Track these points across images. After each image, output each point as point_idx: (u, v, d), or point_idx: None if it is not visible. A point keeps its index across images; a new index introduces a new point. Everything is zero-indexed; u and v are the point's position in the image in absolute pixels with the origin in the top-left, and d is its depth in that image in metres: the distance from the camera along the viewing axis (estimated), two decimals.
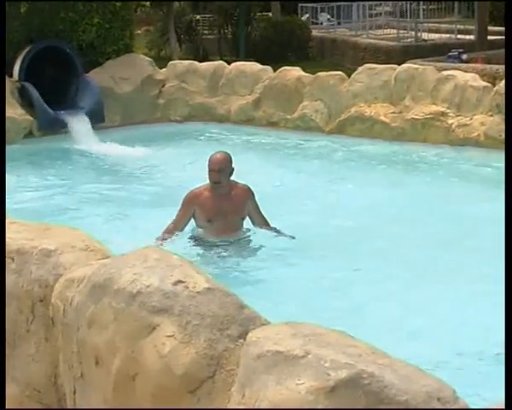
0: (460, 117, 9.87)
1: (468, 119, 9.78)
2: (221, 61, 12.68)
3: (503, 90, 9.39)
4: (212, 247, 6.10)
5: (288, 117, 11.26)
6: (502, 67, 14.13)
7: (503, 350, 4.28)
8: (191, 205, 6.14)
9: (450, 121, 9.90)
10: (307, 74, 11.28)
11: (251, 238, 6.28)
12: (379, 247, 6.40)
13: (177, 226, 6.17)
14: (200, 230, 6.25)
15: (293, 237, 6.25)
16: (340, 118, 10.85)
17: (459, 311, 5.09)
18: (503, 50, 17.50)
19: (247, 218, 6.37)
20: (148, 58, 12.72)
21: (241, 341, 2.21)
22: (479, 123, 9.65)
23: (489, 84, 9.98)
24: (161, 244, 5.82)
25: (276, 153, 10.56)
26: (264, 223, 6.35)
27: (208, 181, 6.13)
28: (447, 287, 5.53)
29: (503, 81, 9.66)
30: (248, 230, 6.36)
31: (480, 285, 5.58)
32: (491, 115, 9.54)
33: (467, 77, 10.04)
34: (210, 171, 6.07)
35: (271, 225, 6.33)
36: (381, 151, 10.15)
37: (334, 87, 10.89)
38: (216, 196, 6.12)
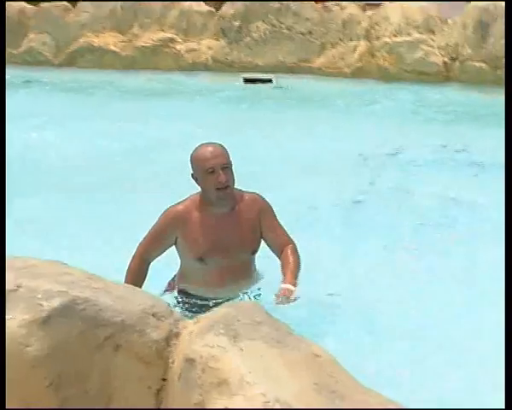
0: (188, 42, 9.98)
1: (195, 44, 9.92)
2: None
3: (226, 15, 9.60)
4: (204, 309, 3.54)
5: (15, 52, 10.80)
6: None
7: None
8: (171, 228, 3.92)
9: (178, 47, 9.99)
10: (30, 6, 10.85)
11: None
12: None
13: (141, 258, 3.97)
14: (185, 272, 4.03)
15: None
16: (69, 49, 10.59)
17: None
18: None
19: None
20: None
21: None
22: (206, 47, 9.82)
23: (212, 9, 10.15)
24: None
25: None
26: (286, 248, 3.98)
27: (205, 191, 3.90)
28: None
29: (226, 4, 9.88)
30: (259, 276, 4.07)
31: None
32: (217, 39, 9.74)
33: (191, 2, 10.15)
34: (209, 171, 3.83)
35: (295, 252, 3.97)
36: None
37: (59, 18, 10.58)
38: (212, 217, 3.92)
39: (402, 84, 8.66)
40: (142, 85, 9.83)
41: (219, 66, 9.68)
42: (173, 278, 4.07)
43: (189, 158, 3.95)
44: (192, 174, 3.92)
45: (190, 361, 1.91)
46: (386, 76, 8.78)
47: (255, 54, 9.48)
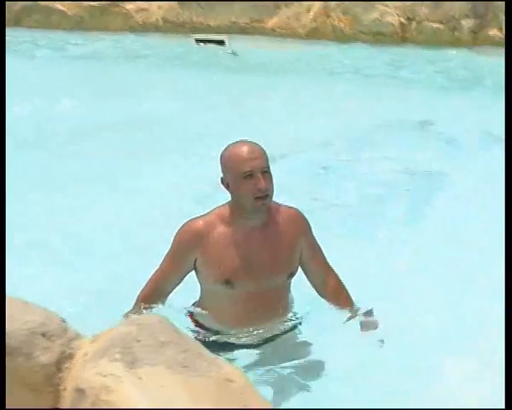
0: (138, 2, 9.60)
1: (145, 3, 9.54)
2: None
3: None
4: (229, 349, 3.30)
5: None
6: None
7: None
8: (189, 247, 3.32)
9: (128, 7, 9.61)
10: None
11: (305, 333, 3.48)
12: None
13: (156, 287, 3.39)
14: (207, 302, 3.41)
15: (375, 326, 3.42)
16: (15, 8, 10.13)
17: None
18: None
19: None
20: None
21: None
22: (156, 7, 9.46)
23: None
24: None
25: None
26: (329, 278, 3.48)
27: (238, 199, 3.30)
28: None
29: None
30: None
31: None
32: None
33: None
34: (246, 175, 3.24)
35: (341, 282, 3.51)
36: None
37: None
38: (240, 231, 3.33)
39: (357, 46, 8.42)
40: (90, 47, 9.46)
41: (170, 26, 9.32)
42: (189, 310, 3.46)
43: (219, 159, 3.32)
44: (221, 178, 3.31)
45: (81, 392, 1.67)
46: (341, 37, 8.52)
47: (207, 14, 9.13)
